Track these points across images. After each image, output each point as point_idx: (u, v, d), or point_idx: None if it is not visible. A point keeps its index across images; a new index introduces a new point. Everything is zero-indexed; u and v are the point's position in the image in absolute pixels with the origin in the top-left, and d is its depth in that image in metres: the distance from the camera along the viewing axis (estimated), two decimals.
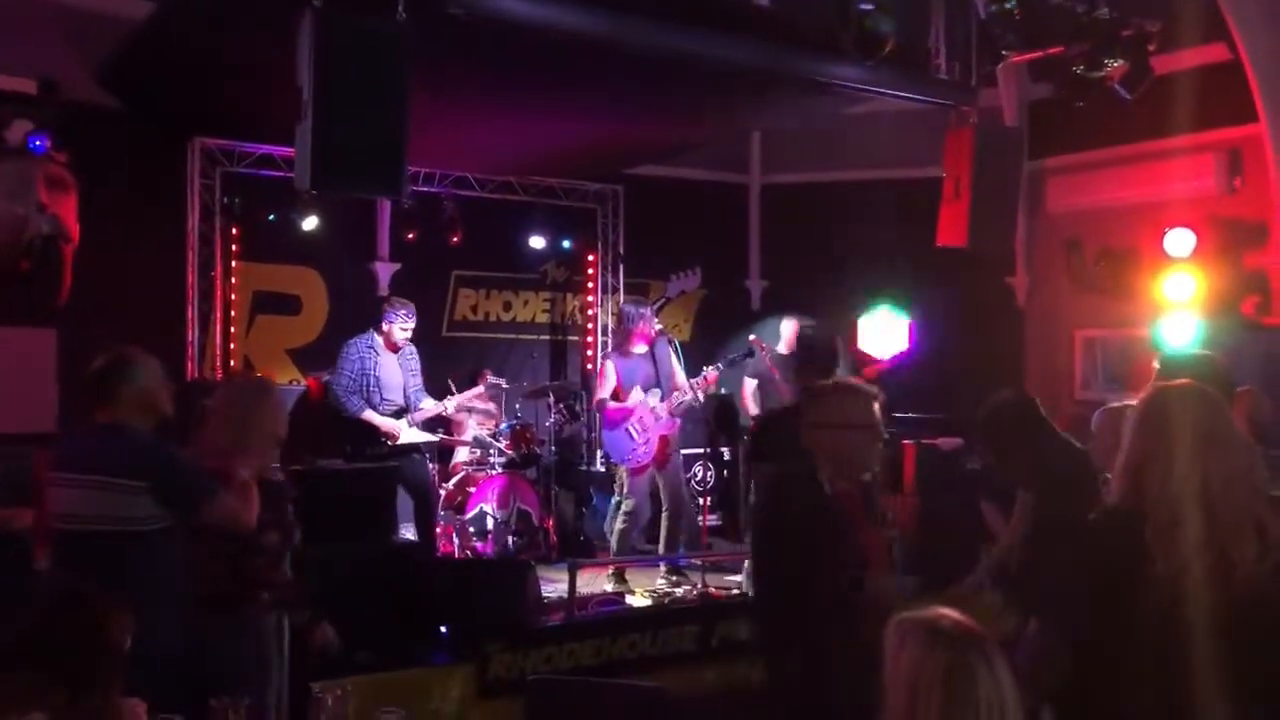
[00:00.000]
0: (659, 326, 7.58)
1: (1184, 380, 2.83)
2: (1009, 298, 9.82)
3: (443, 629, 5.59)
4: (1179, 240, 7.84)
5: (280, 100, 4.64)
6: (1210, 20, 7.58)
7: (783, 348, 8.41)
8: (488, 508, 7.82)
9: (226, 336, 8.34)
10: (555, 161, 9.18)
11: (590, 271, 10.35)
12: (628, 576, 7.31)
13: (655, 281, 10.37)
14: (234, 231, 8.40)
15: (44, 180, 6.86)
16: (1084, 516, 2.88)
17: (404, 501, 7.29)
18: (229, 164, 8.22)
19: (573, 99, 7.03)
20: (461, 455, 8.61)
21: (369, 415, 7.15)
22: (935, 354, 9.51)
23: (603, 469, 9.09)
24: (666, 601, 6.85)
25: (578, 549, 8.22)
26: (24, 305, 6.88)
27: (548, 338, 10.41)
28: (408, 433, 7.28)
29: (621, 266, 10.22)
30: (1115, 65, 5.98)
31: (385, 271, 9.35)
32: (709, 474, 9.36)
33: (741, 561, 6.85)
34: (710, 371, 7.53)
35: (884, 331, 9.73)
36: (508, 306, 10.20)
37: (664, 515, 7.49)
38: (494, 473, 8.12)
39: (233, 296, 8.48)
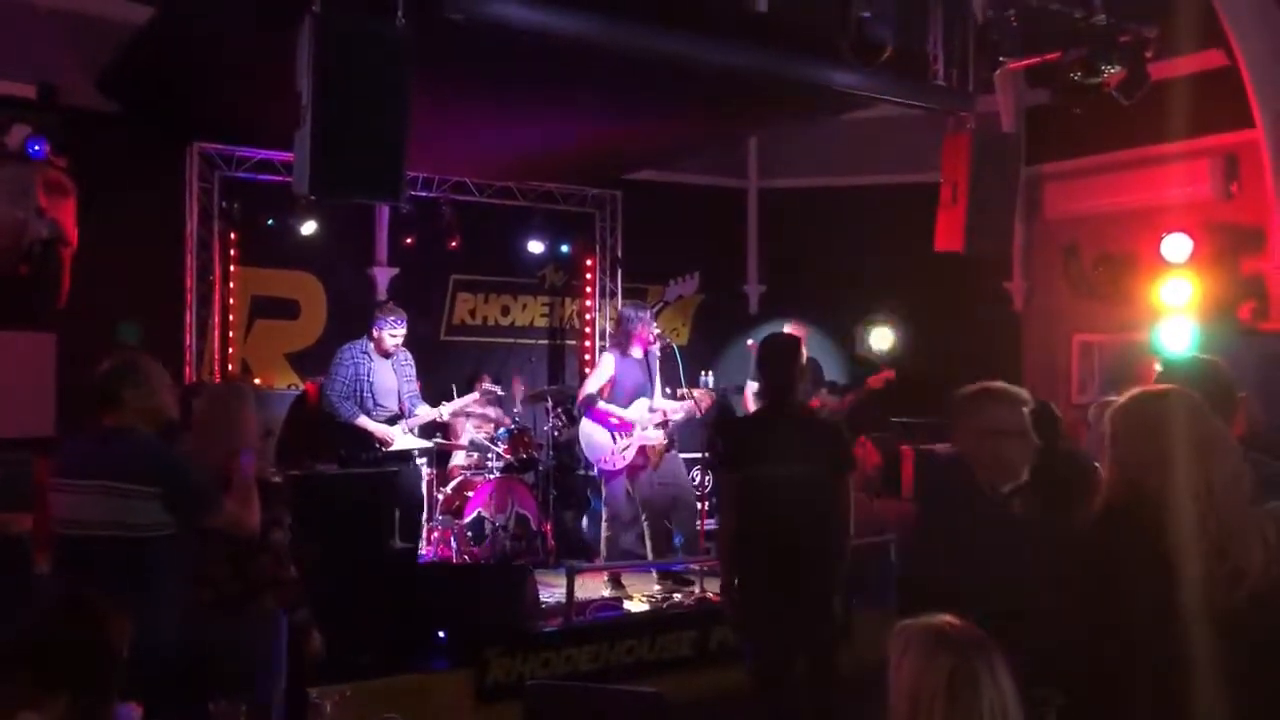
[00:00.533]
0: (658, 330, 7.59)
1: (1164, 385, 2.84)
2: (1007, 302, 9.85)
3: (441, 634, 5.59)
4: (1176, 245, 7.86)
5: (279, 105, 4.64)
6: (1207, 26, 7.60)
7: None
8: (485, 512, 7.81)
9: (225, 341, 8.33)
10: (554, 166, 9.18)
11: (588, 276, 10.35)
12: (624, 582, 7.30)
13: (653, 286, 10.34)
14: (232, 236, 8.39)
15: (43, 185, 6.89)
16: (1082, 521, 2.87)
17: None
18: (228, 168, 8.22)
19: (571, 104, 7.03)
20: (459, 459, 8.60)
21: (362, 421, 7.11)
22: (933, 359, 9.51)
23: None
24: (664, 607, 6.85)
25: (576, 553, 8.21)
26: (23, 309, 6.88)
27: (546, 342, 10.42)
28: (402, 439, 7.27)
29: (620, 271, 10.22)
30: (1112, 71, 5.99)
31: (383, 276, 9.35)
32: (707, 478, 9.35)
33: None
34: (703, 397, 7.52)
35: (882, 337, 9.71)
36: (506, 311, 10.21)
37: (643, 522, 7.47)
38: (492, 477, 8.10)
39: (231, 301, 8.47)
